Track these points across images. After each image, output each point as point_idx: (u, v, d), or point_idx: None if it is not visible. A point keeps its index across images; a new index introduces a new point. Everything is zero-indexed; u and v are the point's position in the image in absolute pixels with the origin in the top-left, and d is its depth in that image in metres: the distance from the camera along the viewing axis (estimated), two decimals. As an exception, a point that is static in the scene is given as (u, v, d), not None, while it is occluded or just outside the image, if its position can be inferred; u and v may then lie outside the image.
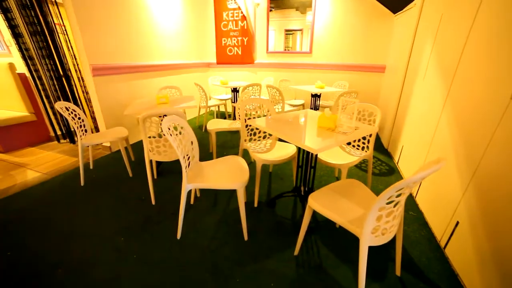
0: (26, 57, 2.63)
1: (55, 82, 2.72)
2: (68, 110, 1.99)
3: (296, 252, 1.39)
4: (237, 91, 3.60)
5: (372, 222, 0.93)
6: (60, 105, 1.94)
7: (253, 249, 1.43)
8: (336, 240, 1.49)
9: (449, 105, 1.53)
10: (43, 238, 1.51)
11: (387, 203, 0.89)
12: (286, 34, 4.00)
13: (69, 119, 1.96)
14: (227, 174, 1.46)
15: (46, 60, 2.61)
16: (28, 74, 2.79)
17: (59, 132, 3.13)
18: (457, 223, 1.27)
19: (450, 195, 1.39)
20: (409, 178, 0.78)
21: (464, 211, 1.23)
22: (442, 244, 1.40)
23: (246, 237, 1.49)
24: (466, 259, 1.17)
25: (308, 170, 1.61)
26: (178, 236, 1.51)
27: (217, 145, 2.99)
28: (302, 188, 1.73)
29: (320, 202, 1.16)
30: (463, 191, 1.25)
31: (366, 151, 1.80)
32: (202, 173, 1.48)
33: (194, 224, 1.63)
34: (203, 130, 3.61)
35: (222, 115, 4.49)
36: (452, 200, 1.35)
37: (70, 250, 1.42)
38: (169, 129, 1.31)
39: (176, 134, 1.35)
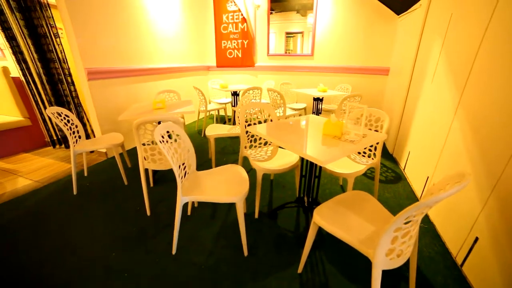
0: (20, 60, 2.56)
1: (50, 86, 2.64)
2: (60, 115, 1.91)
3: (299, 270, 1.28)
4: (237, 95, 3.52)
5: (387, 244, 0.83)
6: (51, 111, 1.86)
7: (253, 266, 1.32)
8: (343, 255, 1.39)
9: (462, 110, 1.43)
10: (30, 251, 1.42)
11: (404, 223, 0.79)
12: (287, 37, 3.92)
13: (61, 125, 1.88)
14: (225, 186, 1.36)
15: (41, 63, 2.53)
16: (22, 78, 2.72)
17: (54, 137, 3.05)
18: (476, 239, 1.16)
19: (465, 207, 1.29)
20: (432, 197, 0.68)
21: (484, 226, 1.12)
22: (459, 261, 1.29)
23: (246, 253, 1.39)
24: (489, 281, 1.07)
25: (312, 180, 1.51)
26: (174, 251, 1.40)
27: (217, 150, 2.90)
28: (305, 199, 1.63)
29: (327, 218, 1.06)
30: (482, 205, 1.15)
31: (373, 159, 1.70)
32: (199, 184, 1.38)
33: (191, 237, 1.53)
34: (202, 135, 3.52)
35: (222, 119, 4.41)
36: (468, 213, 1.25)
37: (57, 266, 1.32)
38: (162, 137, 1.22)
39: (171, 143, 1.26)
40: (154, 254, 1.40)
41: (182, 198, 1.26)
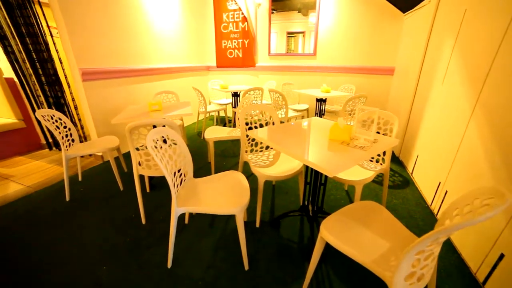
0: (13, 60, 2.47)
1: (45, 87, 2.56)
2: (52, 118, 1.82)
3: (304, 287, 1.18)
4: (238, 96, 3.42)
5: (407, 268, 0.72)
6: (42, 113, 1.76)
7: (254, 281, 1.23)
8: (352, 271, 1.28)
9: (480, 112, 1.33)
10: (14, 262, 1.32)
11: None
12: (288, 36, 3.82)
13: (52, 128, 1.78)
14: (224, 195, 1.26)
15: (33, 63, 2.44)
16: (16, 79, 2.63)
17: (50, 140, 2.97)
18: (502, 255, 1.06)
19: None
20: (465, 221, 0.58)
21: (511, 243, 1.02)
22: (480, 277, 1.18)
23: (246, 266, 1.29)
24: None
25: (317, 188, 1.41)
26: (169, 265, 1.31)
27: (217, 153, 2.80)
28: (310, 208, 1.53)
29: (335, 233, 0.96)
30: (507, 219, 1.04)
31: (381, 164, 1.60)
32: (196, 193, 1.28)
33: (188, 248, 1.43)
34: (202, 137, 3.42)
35: (222, 121, 4.31)
36: (490, 226, 1.15)
37: (43, 280, 1.22)
38: (157, 142, 1.12)
39: (165, 149, 1.17)
40: (148, 267, 1.31)
41: (177, 209, 1.16)
